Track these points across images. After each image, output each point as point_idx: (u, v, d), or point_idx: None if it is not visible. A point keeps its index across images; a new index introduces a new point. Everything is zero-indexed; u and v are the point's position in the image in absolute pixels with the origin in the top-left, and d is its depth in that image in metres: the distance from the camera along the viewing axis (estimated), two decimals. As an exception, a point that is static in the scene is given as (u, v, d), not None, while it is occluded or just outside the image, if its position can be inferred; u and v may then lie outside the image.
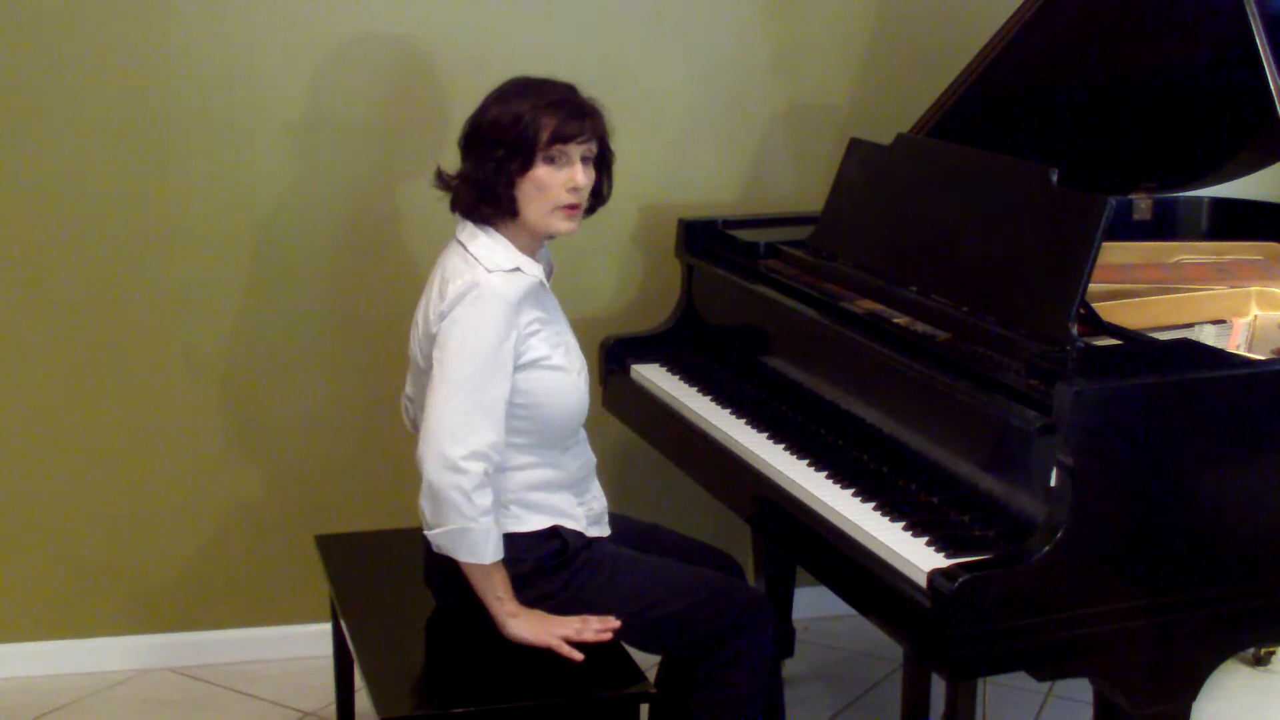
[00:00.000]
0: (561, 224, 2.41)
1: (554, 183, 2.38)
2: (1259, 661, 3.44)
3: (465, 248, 2.40)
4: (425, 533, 2.35)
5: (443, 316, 2.34)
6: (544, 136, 2.36)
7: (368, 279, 3.39)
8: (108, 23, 3.16)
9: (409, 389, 2.57)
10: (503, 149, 2.36)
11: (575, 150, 2.39)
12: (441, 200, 2.49)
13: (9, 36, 3.14)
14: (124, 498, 3.38)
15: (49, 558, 3.38)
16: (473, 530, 2.30)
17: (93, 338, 3.30)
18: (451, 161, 2.49)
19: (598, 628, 2.37)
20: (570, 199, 2.40)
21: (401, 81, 3.32)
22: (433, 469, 2.29)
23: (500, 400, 2.33)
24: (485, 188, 2.39)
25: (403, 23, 3.29)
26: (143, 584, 3.43)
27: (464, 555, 2.33)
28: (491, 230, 2.42)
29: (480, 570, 2.34)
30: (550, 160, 2.37)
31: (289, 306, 3.37)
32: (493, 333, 2.32)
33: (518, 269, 2.38)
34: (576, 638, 2.35)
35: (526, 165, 2.37)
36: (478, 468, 2.29)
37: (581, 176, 2.40)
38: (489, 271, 2.35)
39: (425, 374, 2.41)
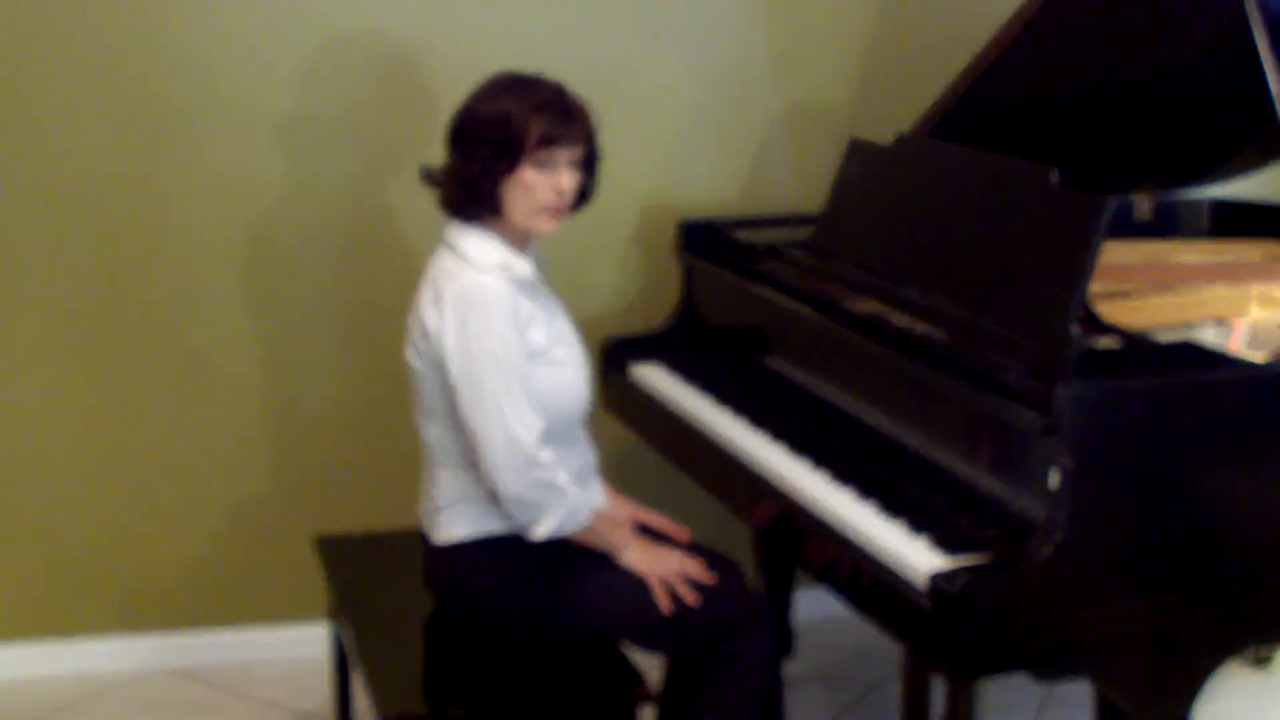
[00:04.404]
0: (545, 225, 2.42)
1: (540, 185, 2.39)
2: (1259, 661, 3.44)
3: (454, 249, 2.41)
4: (529, 536, 2.38)
5: (446, 331, 2.34)
6: (531, 139, 2.36)
7: (366, 279, 3.38)
8: (97, 22, 3.16)
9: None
10: (489, 148, 2.37)
11: (562, 154, 2.40)
12: (436, 197, 2.49)
13: (13, 34, 3.13)
14: (123, 497, 3.38)
15: (49, 558, 3.38)
16: (570, 508, 2.37)
17: (90, 338, 3.30)
18: (443, 158, 2.49)
19: (696, 573, 2.44)
20: (555, 201, 2.41)
21: (397, 79, 3.31)
22: (509, 483, 2.34)
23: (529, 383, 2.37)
24: (471, 185, 2.40)
25: (397, 20, 3.29)
26: (143, 584, 3.43)
27: (569, 531, 2.40)
28: (478, 228, 2.43)
29: (583, 531, 2.42)
30: (538, 163, 2.38)
31: (288, 306, 3.37)
32: (507, 329, 2.34)
33: (507, 266, 2.39)
34: (679, 573, 2.42)
35: (513, 166, 2.37)
36: (547, 454, 2.34)
37: (567, 181, 2.41)
38: (479, 272, 2.36)
39: (424, 378, 2.42)
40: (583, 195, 2.51)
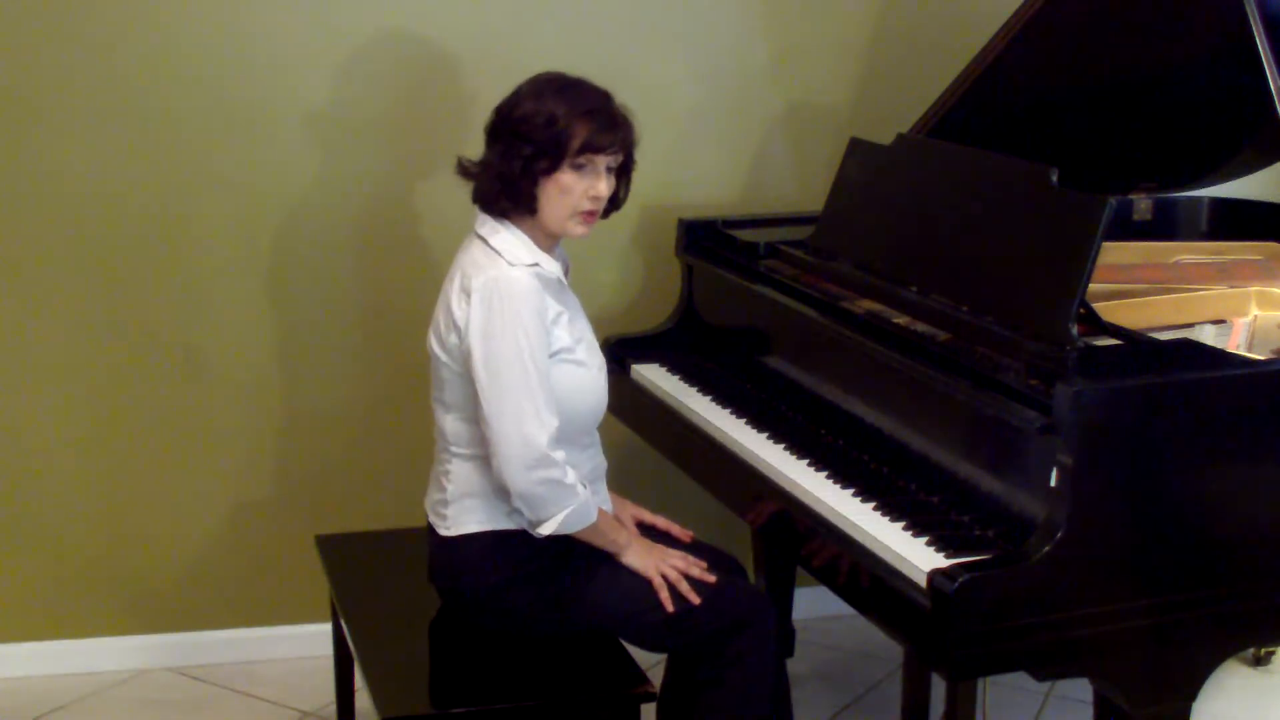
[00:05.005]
0: (577, 228, 2.43)
1: (577, 189, 2.39)
2: (1259, 661, 3.44)
3: (486, 242, 2.41)
4: (535, 532, 2.38)
5: (473, 321, 2.34)
6: (575, 144, 2.36)
7: (376, 279, 3.38)
8: (124, 17, 3.16)
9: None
10: (531, 147, 2.37)
11: (602, 160, 2.40)
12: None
13: (27, 33, 3.14)
14: (124, 497, 3.38)
15: (49, 558, 3.38)
16: (579, 506, 2.37)
17: (94, 337, 3.30)
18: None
19: (698, 573, 2.44)
20: (590, 206, 2.41)
21: (412, 79, 3.32)
22: (519, 479, 2.33)
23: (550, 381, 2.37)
24: (508, 182, 2.39)
25: (400, 20, 3.29)
26: (143, 584, 3.43)
27: (576, 529, 2.39)
28: (510, 225, 2.43)
29: (588, 529, 2.41)
30: (577, 167, 2.38)
31: (293, 308, 3.37)
32: (533, 323, 2.34)
33: (537, 264, 2.39)
34: (680, 571, 2.43)
35: (553, 168, 2.37)
36: (560, 453, 2.34)
37: (605, 187, 2.42)
38: (510, 265, 2.36)
39: (446, 368, 2.42)
40: (614, 201, 2.51)
